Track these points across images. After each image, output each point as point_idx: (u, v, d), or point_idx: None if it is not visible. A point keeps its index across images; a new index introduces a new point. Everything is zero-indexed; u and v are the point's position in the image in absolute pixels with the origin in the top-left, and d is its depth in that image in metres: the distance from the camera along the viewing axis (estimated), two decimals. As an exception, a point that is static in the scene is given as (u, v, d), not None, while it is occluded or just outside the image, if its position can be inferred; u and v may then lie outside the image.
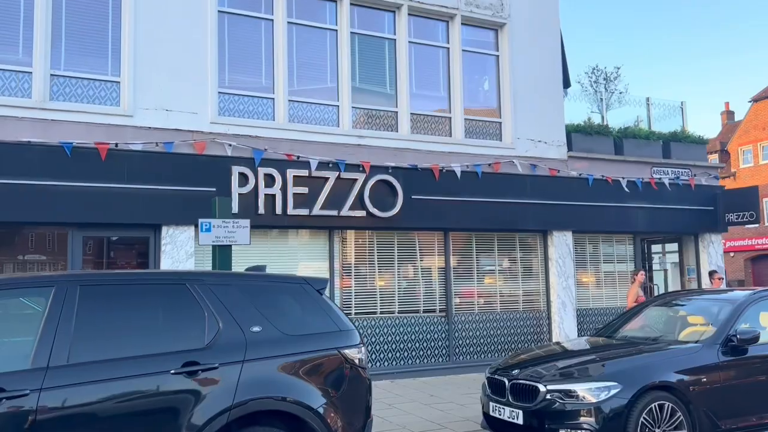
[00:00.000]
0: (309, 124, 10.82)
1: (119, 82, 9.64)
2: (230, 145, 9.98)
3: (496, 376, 6.67)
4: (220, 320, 4.29)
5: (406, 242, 11.43)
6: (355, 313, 10.87)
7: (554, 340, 12.22)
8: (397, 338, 11.11)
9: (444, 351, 11.46)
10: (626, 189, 12.99)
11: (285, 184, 10.15)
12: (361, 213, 10.65)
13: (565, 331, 12.25)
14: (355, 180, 10.64)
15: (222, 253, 7.04)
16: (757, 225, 18.29)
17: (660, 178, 13.49)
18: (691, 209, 13.78)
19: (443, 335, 11.49)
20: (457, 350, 11.57)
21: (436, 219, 11.30)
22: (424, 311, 11.46)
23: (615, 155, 13.26)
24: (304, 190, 10.27)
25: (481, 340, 11.82)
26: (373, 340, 10.91)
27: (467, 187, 11.54)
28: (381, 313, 11.10)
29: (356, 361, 4.66)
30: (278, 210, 10.08)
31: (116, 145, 9.28)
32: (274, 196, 10.09)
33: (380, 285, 11.19)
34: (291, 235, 10.63)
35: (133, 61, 9.62)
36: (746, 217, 13.67)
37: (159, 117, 9.69)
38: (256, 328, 4.36)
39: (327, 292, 5.91)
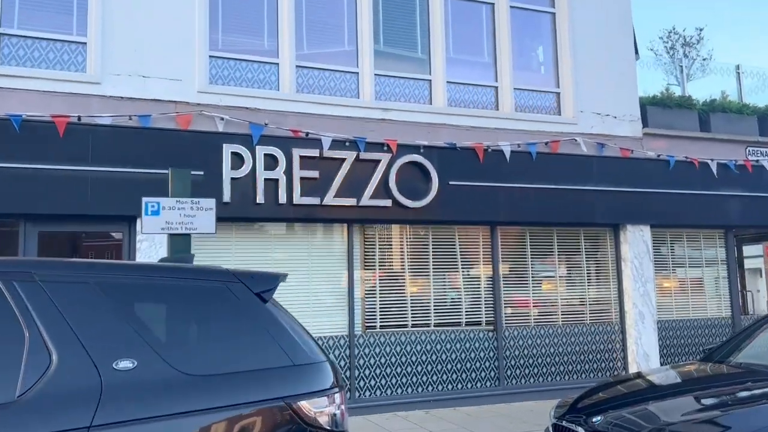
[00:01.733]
0: (321, 94, 8.84)
1: (86, 43, 7.88)
2: (222, 118, 8.10)
3: (565, 423, 4.52)
4: (53, 347, 2.31)
5: (443, 239, 9.30)
6: (381, 327, 8.80)
7: (631, 360, 9.88)
8: (434, 357, 8.97)
9: (492, 373, 9.26)
10: (715, 173, 10.54)
11: (290, 166, 8.19)
12: (386, 202, 8.59)
13: (643, 348, 9.88)
14: (378, 162, 8.60)
15: (177, 247, 5.09)
16: None
17: (757, 160, 10.99)
18: (797, 198, 11.20)
19: (491, 354, 9.29)
20: (508, 372, 9.35)
21: (480, 210, 9.15)
22: (467, 324, 9.29)
23: (700, 132, 10.84)
24: (314, 174, 8.28)
25: (539, 360, 9.56)
26: (404, 359, 8.81)
27: (519, 170, 9.36)
28: (413, 326, 8.99)
29: (322, 422, 2.60)
30: (281, 198, 8.11)
31: (79, 118, 7.50)
32: (276, 181, 8.13)
33: (412, 292, 9.09)
34: (298, 231, 8.63)
35: (103, 16, 7.85)
36: None
37: (134, 84, 7.87)
38: (125, 364, 2.36)
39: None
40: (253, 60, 8.61)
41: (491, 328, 9.36)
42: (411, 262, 9.12)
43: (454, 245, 9.37)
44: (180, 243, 5.12)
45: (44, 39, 7.75)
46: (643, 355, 9.85)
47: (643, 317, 9.97)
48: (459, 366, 9.09)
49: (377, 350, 8.72)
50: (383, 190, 8.58)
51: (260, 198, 8.02)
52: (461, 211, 9.04)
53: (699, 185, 10.48)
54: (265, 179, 8.07)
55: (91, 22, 7.84)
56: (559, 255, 9.94)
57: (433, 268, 9.21)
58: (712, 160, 10.60)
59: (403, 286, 9.05)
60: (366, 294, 8.80)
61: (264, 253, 8.35)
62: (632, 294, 9.98)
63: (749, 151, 11.02)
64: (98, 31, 7.81)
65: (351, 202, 8.41)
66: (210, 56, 8.37)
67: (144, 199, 5.03)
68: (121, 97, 7.79)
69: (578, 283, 10.04)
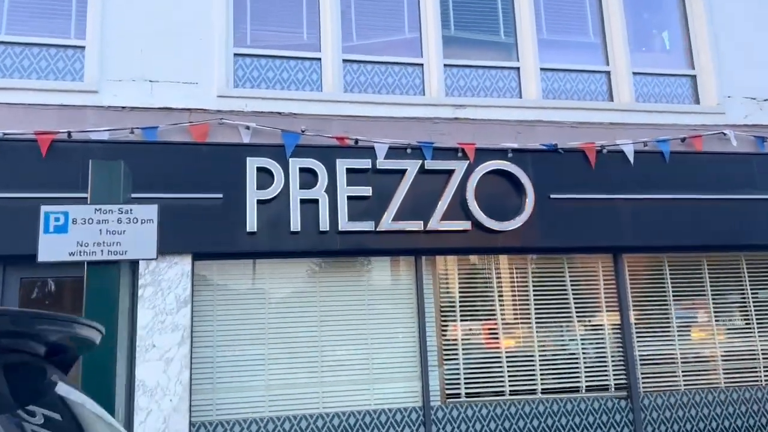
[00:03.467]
0: (375, 92, 6.95)
1: (84, 47, 6.47)
2: (247, 127, 6.36)
3: None
4: None
5: (547, 273, 6.95)
6: (467, 395, 6.49)
7: (835, 440, 6.89)
8: (543, 437, 6.51)
9: (628, 459, 6.63)
10: None
11: (334, 182, 6.27)
12: (464, 225, 6.42)
13: None
14: (451, 172, 6.50)
15: (101, 282, 3.20)
16: None
17: None
18: None
19: (625, 430, 6.69)
20: (652, 457, 6.68)
21: (596, 233, 6.75)
22: (589, 390, 6.78)
23: None
24: (366, 191, 6.31)
25: (695, 440, 6.82)
26: (501, 440, 6.42)
27: (647, 176, 6.93)
28: (511, 393, 6.60)
29: None
30: (323, 225, 6.17)
31: (69, 134, 6.00)
32: (316, 202, 6.22)
33: (509, 347, 6.75)
34: (346, 268, 6.59)
35: (102, 11, 6.44)
36: None
37: (138, 91, 6.33)
38: None
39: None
40: (289, 56, 6.89)
41: (624, 394, 6.78)
42: (505, 306, 6.82)
43: (564, 282, 6.97)
44: (106, 276, 3.24)
45: (36, 45, 6.41)
46: None
47: None
48: (580, 449, 6.56)
49: (463, 427, 6.39)
50: (459, 209, 6.44)
51: (295, 225, 6.11)
52: (570, 235, 6.69)
53: None
54: (302, 200, 6.18)
55: (90, 20, 6.45)
56: (713, 291, 7.25)
57: (536, 314, 6.84)
58: None
59: (497, 339, 6.73)
60: (445, 351, 6.56)
61: (304, 298, 6.38)
62: (827, 343, 7.07)
63: None
64: (97, 30, 6.39)
65: (416, 226, 6.32)
66: (234, 54, 6.73)
67: (43, 209, 3.22)
68: (123, 107, 6.25)
69: (744, 329, 7.26)
